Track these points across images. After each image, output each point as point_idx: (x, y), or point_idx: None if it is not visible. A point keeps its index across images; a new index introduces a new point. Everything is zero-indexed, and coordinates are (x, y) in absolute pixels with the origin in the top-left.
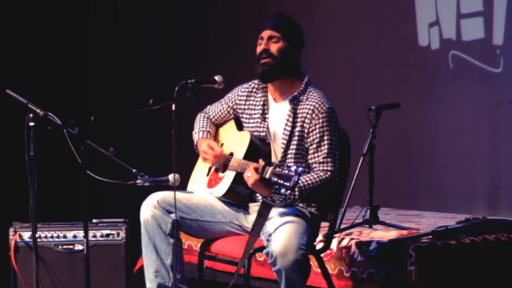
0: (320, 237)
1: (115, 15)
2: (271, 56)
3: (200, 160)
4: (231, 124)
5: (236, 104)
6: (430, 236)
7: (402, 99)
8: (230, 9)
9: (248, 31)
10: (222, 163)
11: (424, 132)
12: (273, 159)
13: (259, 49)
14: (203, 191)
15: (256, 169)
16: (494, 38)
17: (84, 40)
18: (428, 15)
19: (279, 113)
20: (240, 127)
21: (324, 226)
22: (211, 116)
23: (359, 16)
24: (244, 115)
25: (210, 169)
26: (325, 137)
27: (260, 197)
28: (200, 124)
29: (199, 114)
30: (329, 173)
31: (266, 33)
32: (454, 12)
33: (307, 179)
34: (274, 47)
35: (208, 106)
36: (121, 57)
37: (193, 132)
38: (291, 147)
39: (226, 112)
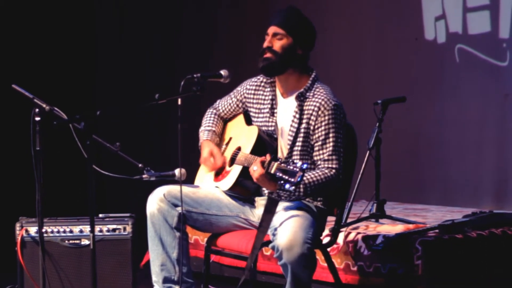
0: (326, 231)
1: (121, 10)
2: (273, 53)
3: None
4: (240, 118)
5: (245, 97)
6: (437, 230)
7: (408, 92)
8: (237, 4)
9: (254, 26)
10: (229, 157)
11: (431, 126)
12: (280, 155)
13: (264, 45)
14: (209, 185)
15: (262, 163)
16: (500, 32)
17: (89, 35)
18: (434, 8)
19: (286, 108)
20: (248, 121)
21: (331, 220)
22: (221, 111)
23: (366, 10)
24: (253, 109)
25: None
26: (330, 135)
27: (266, 192)
28: (206, 122)
29: (208, 110)
30: (333, 170)
31: (271, 30)
32: (460, 5)
33: (312, 176)
34: (277, 44)
35: (218, 100)
36: (126, 52)
37: (200, 130)
38: (297, 143)
39: (235, 106)
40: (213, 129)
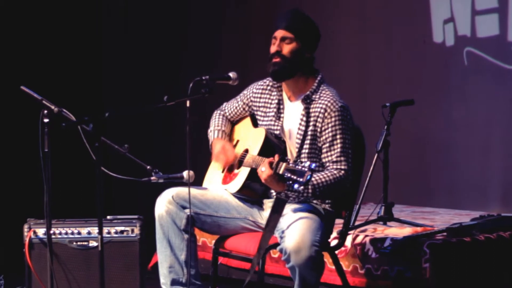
0: (334, 234)
1: (127, 11)
2: (283, 58)
3: None
4: (247, 121)
5: (252, 101)
6: (445, 233)
7: (416, 95)
8: (243, 6)
9: (261, 28)
10: (237, 160)
11: (439, 129)
12: (289, 158)
13: (272, 49)
14: (218, 187)
15: (270, 164)
16: (509, 35)
17: (97, 37)
18: (443, 11)
19: (293, 112)
20: (255, 124)
21: (339, 223)
22: (227, 113)
23: (374, 12)
24: (259, 112)
25: None
26: (338, 136)
27: (274, 194)
28: (215, 123)
29: (215, 112)
30: (342, 171)
31: (279, 33)
32: (469, 8)
33: (321, 176)
34: (286, 49)
35: (225, 103)
36: (134, 54)
37: (208, 131)
38: (305, 146)
39: (241, 109)
40: (223, 129)
